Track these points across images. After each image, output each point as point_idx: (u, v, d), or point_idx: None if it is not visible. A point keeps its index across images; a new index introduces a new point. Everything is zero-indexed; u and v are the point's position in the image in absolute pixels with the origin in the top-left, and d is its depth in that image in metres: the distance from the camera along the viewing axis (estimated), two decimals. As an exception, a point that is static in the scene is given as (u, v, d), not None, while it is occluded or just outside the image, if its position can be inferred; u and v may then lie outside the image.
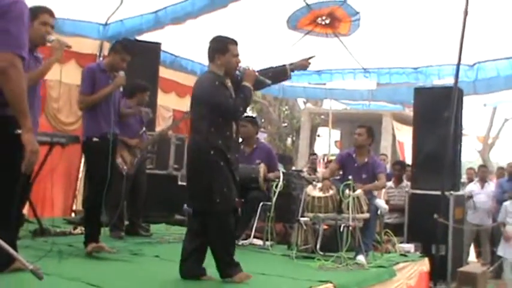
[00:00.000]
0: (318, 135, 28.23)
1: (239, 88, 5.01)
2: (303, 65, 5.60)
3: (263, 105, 27.37)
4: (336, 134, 26.21)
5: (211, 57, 5.02)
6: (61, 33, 7.59)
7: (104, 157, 5.68)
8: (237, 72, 5.10)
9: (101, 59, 9.28)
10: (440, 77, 11.01)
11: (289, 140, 28.89)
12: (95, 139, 5.86)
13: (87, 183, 7.16)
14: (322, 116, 25.60)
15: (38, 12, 4.64)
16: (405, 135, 20.26)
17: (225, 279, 4.85)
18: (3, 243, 2.93)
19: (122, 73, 6.01)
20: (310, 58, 5.55)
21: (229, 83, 5.02)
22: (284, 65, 5.48)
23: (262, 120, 28.20)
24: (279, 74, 5.46)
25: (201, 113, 4.89)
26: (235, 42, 5.04)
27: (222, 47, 4.98)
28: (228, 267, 4.88)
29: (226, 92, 4.92)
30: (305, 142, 25.06)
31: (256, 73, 5.08)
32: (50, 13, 4.74)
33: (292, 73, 5.53)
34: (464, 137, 10.20)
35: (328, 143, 22.05)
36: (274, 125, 27.81)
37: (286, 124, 28.98)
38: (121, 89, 6.22)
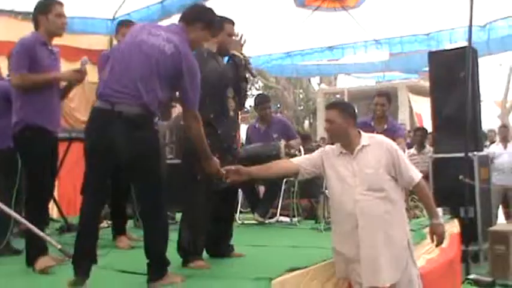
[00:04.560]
0: (335, 115, 28.12)
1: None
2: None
3: (277, 90, 27.32)
4: (353, 112, 26.07)
5: None
6: (71, 32, 7.58)
7: None
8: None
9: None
10: (452, 41, 10.88)
11: (306, 123, 28.82)
12: None
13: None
14: (338, 95, 25.49)
15: (51, 4, 4.75)
16: (422, 106, 20.10)
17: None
18: (38, 232, 2.97)
19: None
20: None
21: (220, 59, 4.89)
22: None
23: (278, 105, 28.15)
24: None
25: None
26: (232, 22, 4.93)
27: (217, 24, 4.81)
28: (184, 252, 4.68)
29: (214, 63, 4.73)
30: (322, 124, 24.90)
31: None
32: (61, 4, 4.83)
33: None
34: (482, 103, 10.08)
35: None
36: (291, 108, 27.75)
37: (302, 107, 28.91)
38: None
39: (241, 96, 5.01)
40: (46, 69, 4.70)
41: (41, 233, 3.04)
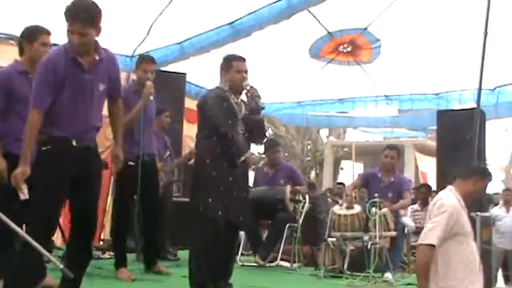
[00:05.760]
0: (341, 168, 28.19)
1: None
2: None
3: (286, 139, 27.45)
4: (359, 167, 26.13)
5: (220, 75, 5.10)
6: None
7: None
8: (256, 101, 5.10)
9: (131, 80, 9.43)
10: (461, 102, 10.99)
11: (312, 173, 28.85)
12: (130, 163, 5.57)
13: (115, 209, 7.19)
14: (345, 149, 25.61)
15: (37, 33, 4.74)
16: (428, 165, 20.16)
17: None
18: (40, 249, 3.08)
19: (148, 83, 5.90)
20: None
21: (234, 98, 5.03)
22: None
23: (286, 154, 28.23)
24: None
25: (202, 121, 4.99)
26: (240, 59, 5.08)
27: (226, 64, 5.06)
28: (193, 283, 4.83)
29: (223, 105, 4.90)
30: (328, 175, 25.05)
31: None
32: (48, 33, 4.80)
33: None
34: (488, 167, 10.12)
35: (351, 175, 21.98)
36: (298, 158, 27.80)
37: (309, 158, 28.98)
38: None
39: (253, 130, 5.10)
40: (23, 98, 4.52)
41: (44, 251, 3.16)
